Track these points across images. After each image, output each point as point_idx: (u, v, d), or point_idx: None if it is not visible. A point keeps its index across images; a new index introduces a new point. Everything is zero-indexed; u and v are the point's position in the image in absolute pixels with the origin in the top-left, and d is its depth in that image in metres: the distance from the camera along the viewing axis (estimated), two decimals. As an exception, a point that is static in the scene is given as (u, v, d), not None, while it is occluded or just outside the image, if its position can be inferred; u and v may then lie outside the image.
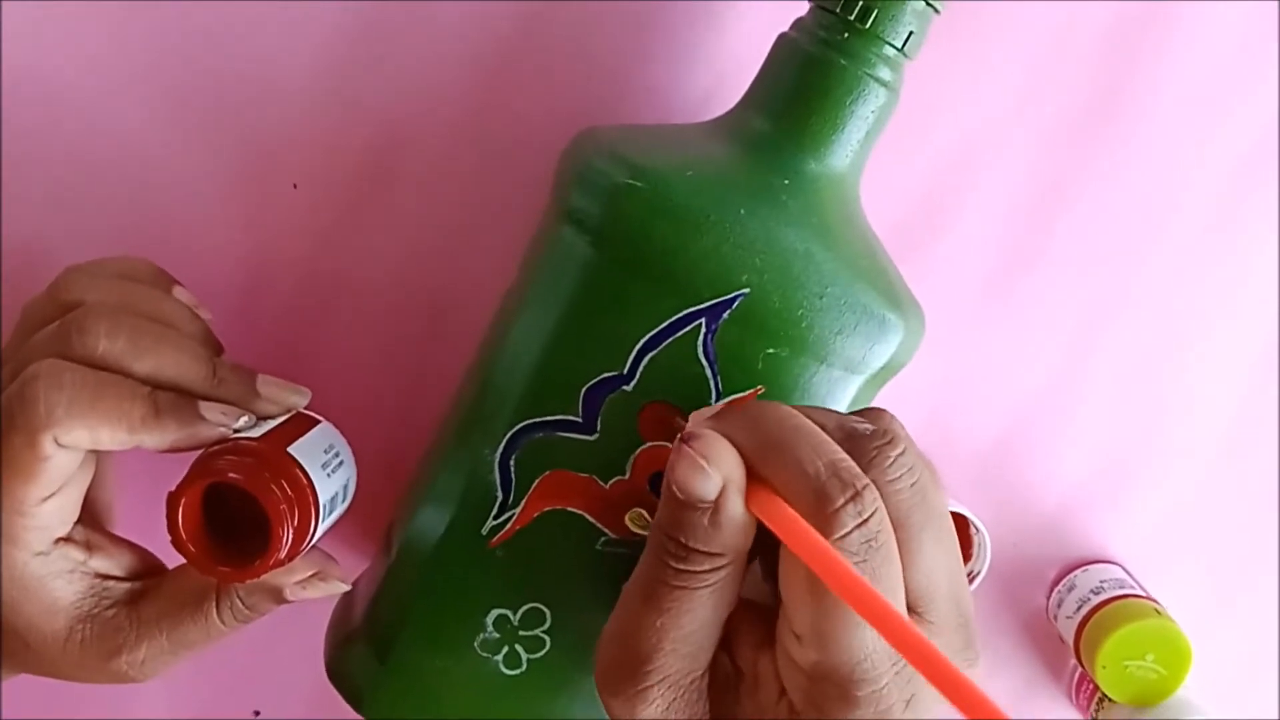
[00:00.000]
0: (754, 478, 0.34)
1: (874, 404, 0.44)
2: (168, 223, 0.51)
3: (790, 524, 0.32)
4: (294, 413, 0.43)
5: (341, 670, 0.46)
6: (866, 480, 0.33)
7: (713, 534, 0.34)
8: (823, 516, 0.32)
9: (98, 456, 0.42)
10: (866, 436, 0.35)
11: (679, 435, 0.35)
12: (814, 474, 0.33)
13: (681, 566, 0.34)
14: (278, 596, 0.43)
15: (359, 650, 0.45)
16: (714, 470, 0.34)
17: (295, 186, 0.51)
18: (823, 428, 0.35)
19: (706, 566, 0.34)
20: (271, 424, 0.42)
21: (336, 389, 0.53)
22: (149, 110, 0.50)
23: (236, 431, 0.40)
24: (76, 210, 0.51)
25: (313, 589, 0.43)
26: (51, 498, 0.39)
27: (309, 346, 0.53)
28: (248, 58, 0.50)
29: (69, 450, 0.38)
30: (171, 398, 0.39)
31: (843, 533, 0.32)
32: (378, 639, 0.44)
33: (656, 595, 0.34)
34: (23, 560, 0.39)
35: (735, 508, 0.34)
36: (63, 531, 0.40)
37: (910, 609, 0.34)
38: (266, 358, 0.53)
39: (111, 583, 0.42)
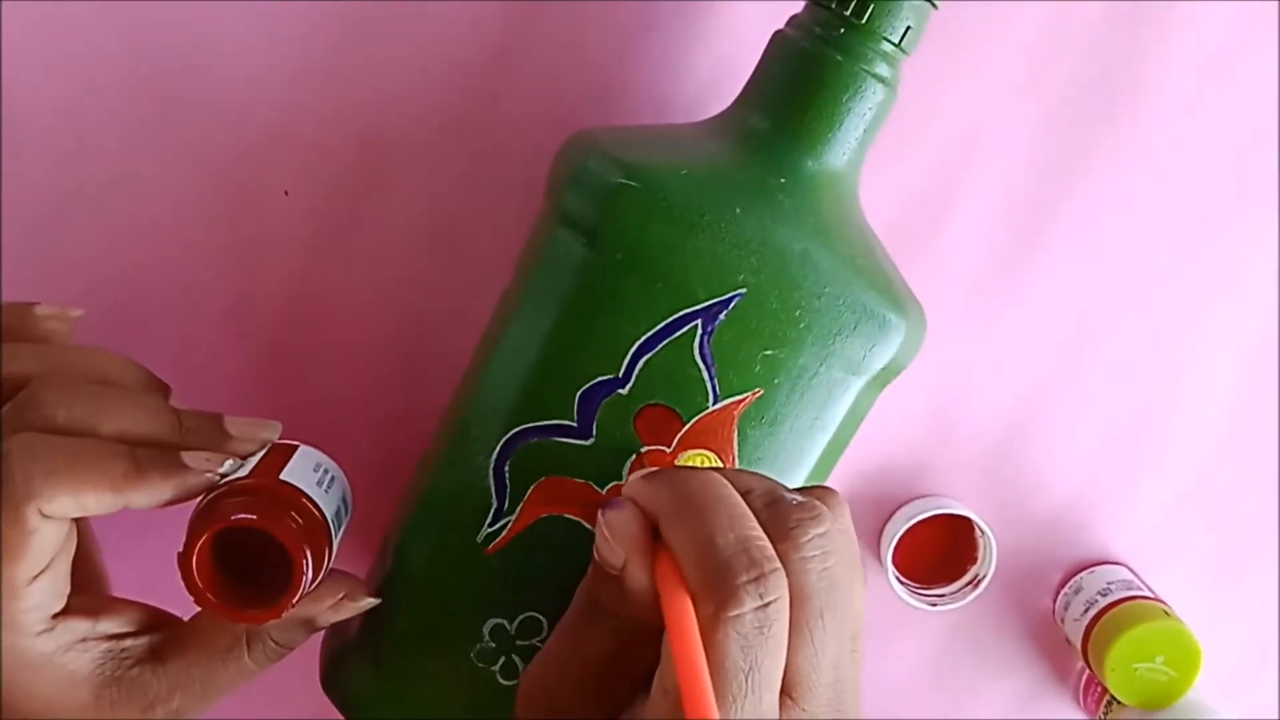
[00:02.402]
0: (665, 548, 0.34)
1: (877, 405, 0.44)
2: (155, 231, 0.51)
3: (672, 599, 0.32)
4: (269, 445, 0.41)
5: (337, 682, 0.45)
6: (777, 565, 0.33)
7: (620, 599, 0.35)
8: (723, 589, 0.32)
9: (80, 529, 0.41)
10: (791, 507, 0.35)
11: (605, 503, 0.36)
12: (723, 545, 0.32)
13: (595, 620, 0.36)
14: (310, 626, 0.42)
15: (355, 662, 0.44)
16: (615, 541, 0.35)
17: (287, 193, 0.51)
18: (749, 491, 0.35)
19: (613, 626, 0.36)
20: (253, 461, 0.40)
21: (330, 397, 0.53)
22: (131, 116, 0.49)
23: (223, 476, 0.39)
24: (58, 220, 0.50)
25: (344, 610, 0.42)
26: (41, 575, 0.37)
27: (302, 354, 0.53)
28: (232, 60, 0.49)
29: (54, 521, 0.37)
30: (151, 452, 0.38)
31: (738, 610, 0.32)
32: (374, 650, 0.43)
33: (572, 640, 0.36)
34: (25, 644, 0.38)
35: (637, 580, 0.34)
36: (57, 607, 0.39)
37: (785, 690, 0.33)
38: (260, 364, 0.52)
39: (128, 641, 0.41)
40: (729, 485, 0.35)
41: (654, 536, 0.35)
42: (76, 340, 0.44)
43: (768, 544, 0.33)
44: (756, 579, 0.32)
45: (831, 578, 0.34)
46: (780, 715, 0.33)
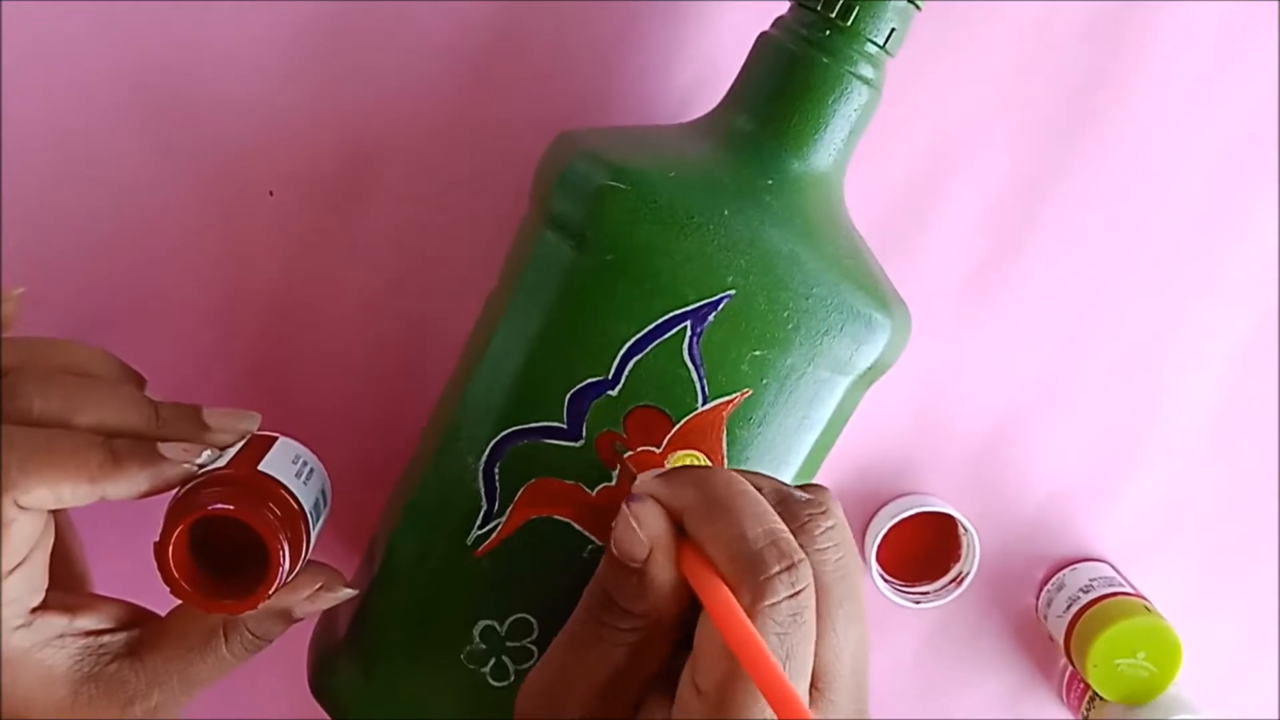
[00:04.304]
0: (691, 544, 0.35)
1: (862, 404, 0.44)
2: (140, 233, 0.50)
3: (715, 593, 0.33)
4: (249, 437, 0.42)
5: (326, 686, 0.45)
6: (803, 555, 0.33)
7: (639, 594, 0.35)
8: (756, 583, 0.32)
9: (61, 525, 0.41)
10: (801, 503, 0.36)
11: (626, 496, 0.36)
12: (753, 539, 0.33)
13: (606, 619, 0.36)
14: (287, 618, 0.42)
15: (343, 665, 0.44)
16: (643, 533, 0.35)
17: (271, 194, 0.51)
18: (760, 489, 0.36)
19: (626, 625, 0.35)
20: (231, 453, 0.40)
21: (318, 397, 0.53)
22: (118, 117, 0.49)
23: (200, 467, 0.39)
24: (46, 223, 0.50)
25: (321, 601, 0.42)
26: (18, 568, 0.37)
27: (290, 355, 0.52)
28: (219, 64, 0.49)
29: (31, 513, 0.37)
30: (127, 442, 0.38)
31: (773, 600, 0.32)
32: (362, 653, 0.43)
33: (579, 644, 0.36)
34: (2, 639, 0.38)
35: (662, 572, 0.35)
36: (35, 601, 0.39)
37: (811, 682, 0.34)
38: (248, 365, 0.52)
39: (106, 637, 0.41)
40: (747, 482, 0.36)
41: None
42: (55, 336, 0.44)
43: (791, 536, 0.34)
44: (788, 569, 0.33)
45: (844, 568, 0.35)
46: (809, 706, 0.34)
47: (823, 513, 0.35)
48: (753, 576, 0.32)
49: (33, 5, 0.48)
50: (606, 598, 0.36)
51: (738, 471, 0.37)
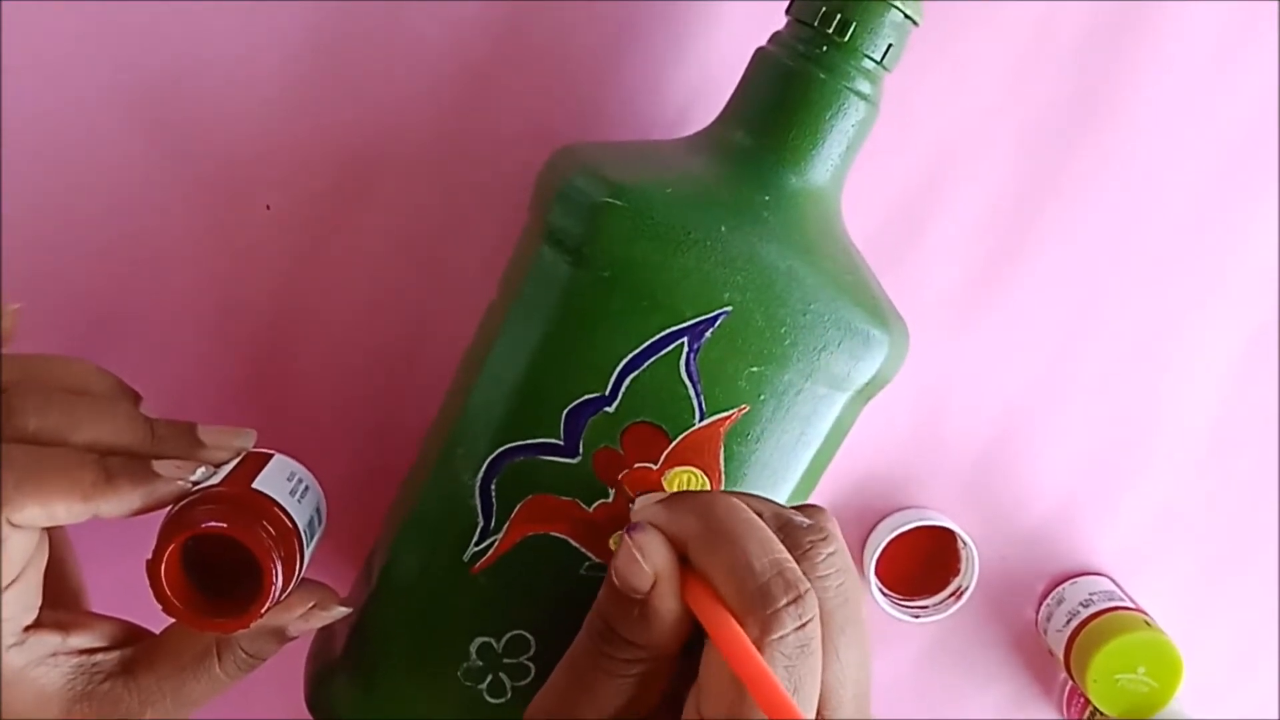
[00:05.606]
0: (695, 574, 0.34)
1: (859, 420, 0.44)
2: (138, 241, 0.50)
3: (723, 626, 0.32)
4: (244, 454, 0.42)
5: (322, 702, 0.45)
6: (809, 585, 0.33)
7: (642, 625, 0.35)
8: (764, 616, 0.32)
9: (57, 542, 0.41)
10: (802, 529, 0.35)
11: (626, 526, 0.36)
12: (759, 570, 0.33)
13: (608, 650, 0.35)
14: (281, 636, 0.41)
15: (340, 682, 0.44)
16: (647, 564, 0.34)
17: (269, 207, 0.51)
18: (760, 515, 0.36)
19: (628, 656, 0.35)
20: (226, 470, 0.40)
21: (315, 407, 0.53)
22: (116, 126, 0.49)
23: (195, 484, 0.39)
24: (44, 231, 0.50)
25: (315, 620, 0.42)
26: (12, 585, 0.37)
27: (287, 366, 0.52)
28: (217, 74, 0.49)
29: (24, 531, 0.37)
30: (121, 460, 0.38)
31: (781, 633, 0.32)
32: (359, 670, 0.43)
33: (581, 675, 0.36)
34: None
35: (666, 603, 0.34)
36: (28, 619, 0.38)
37: (816, 710, 0.34)
38: (245, 377, 0.52)
39: (99, 655, 0.40)
40: (750, 510, 0.35)
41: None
42: (57, 350, 0.44)
43: (796, 565, 0.34)
44: (795, 600, 0.32)
45: (846, 594, 0.35)
46: None
47: (823, 539, 0.35)
48: (760, 609, 0.32)
49: (32, 11, 0.48)
50: (607, 628, 0.35)
51: (737, 496, 0.36)
